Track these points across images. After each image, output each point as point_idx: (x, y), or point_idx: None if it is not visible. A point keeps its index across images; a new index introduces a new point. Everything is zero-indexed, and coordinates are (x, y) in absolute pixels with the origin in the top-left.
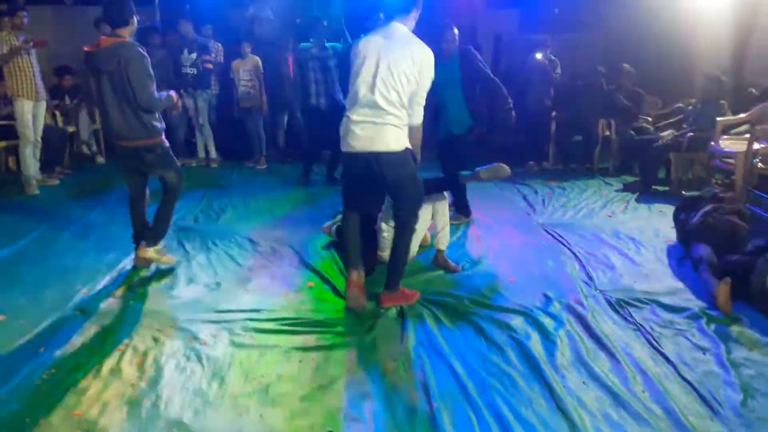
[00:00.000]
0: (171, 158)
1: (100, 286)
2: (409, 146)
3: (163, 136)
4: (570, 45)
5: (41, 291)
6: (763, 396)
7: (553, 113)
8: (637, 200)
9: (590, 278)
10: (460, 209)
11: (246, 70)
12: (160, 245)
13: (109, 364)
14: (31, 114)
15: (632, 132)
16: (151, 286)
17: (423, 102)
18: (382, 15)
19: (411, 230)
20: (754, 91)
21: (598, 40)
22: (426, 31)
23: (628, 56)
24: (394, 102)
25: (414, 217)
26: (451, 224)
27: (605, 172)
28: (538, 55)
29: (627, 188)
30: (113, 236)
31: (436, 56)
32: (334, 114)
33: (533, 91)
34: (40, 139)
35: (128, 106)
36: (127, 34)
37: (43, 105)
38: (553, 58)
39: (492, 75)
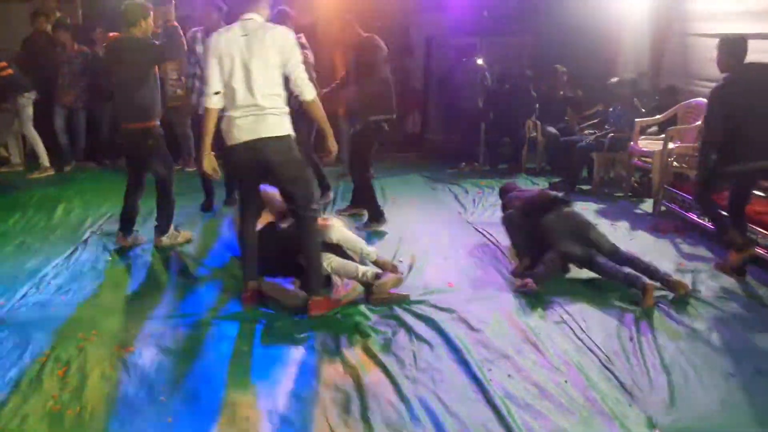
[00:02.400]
0: (164, 147)
1: (19, 295)
2: (293, 134)
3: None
4: (499, 48)
5: None
6: (677, 381)
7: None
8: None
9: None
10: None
11: (173, 69)
12: (171, 229)
13: (29, 375)
14: None
15: (556, 132)
16: (73, 294)
17: (305, 76)
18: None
19: (314, 223)
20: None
21: (526, 44)
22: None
23: (555, 59)
24: (273, 95)
25: (310, 209)
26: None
27: (532, 172)
28: (479, 61)
29: (552, 187)
30: (33, 243)
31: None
32: None
33: (466, 94)
34: None
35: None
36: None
37: None
38: (482, 62)
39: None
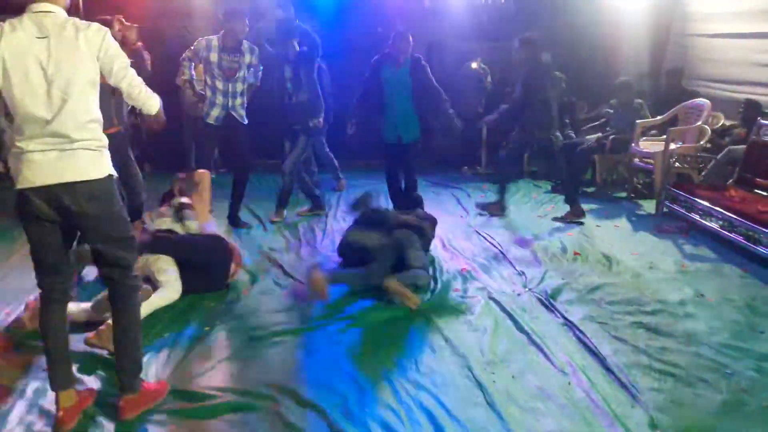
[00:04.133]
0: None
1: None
2: (115, 174)
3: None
4: (499, 53)
5: None
6: (678, 382)
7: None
8: (565, 201)
9: (520, 277)
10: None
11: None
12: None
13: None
14: None
15: (558, 136)
16: None
17: (141, 83)
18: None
19: (135, 294)
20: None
21: None
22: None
23: (556, 62)
24: (88, 122)
25: (132, 276)
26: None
27: (534, 175)
28: (473, 65)
29: (555, 190)
30: None
31: (385, 61)
32: None
33: (465, 99)
34: None
35: None
36: None
37: None
38: (483, 66)
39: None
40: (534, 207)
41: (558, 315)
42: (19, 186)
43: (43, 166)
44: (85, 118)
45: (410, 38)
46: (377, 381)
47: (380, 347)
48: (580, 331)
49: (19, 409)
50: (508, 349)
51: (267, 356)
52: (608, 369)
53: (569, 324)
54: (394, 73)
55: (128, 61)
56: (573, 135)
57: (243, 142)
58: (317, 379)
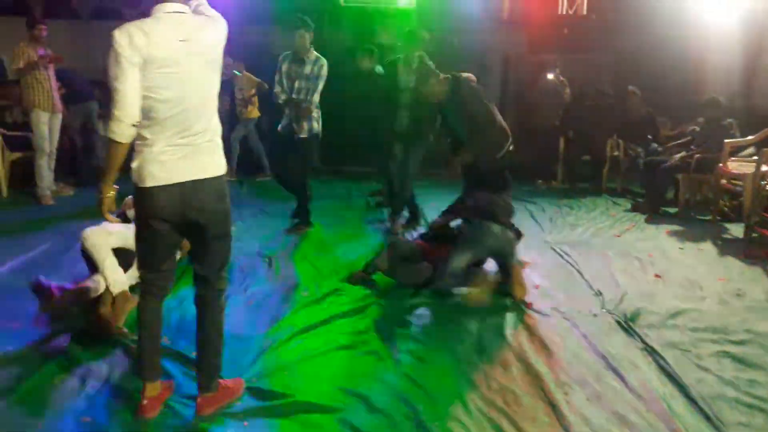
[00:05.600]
0: None
1: None
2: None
3: None
4: (579, 65)
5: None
6: (766, 415)
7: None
8: (645, 221)
9: (597, 297)
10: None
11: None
12: None
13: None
14: (47, 126)
15: (639, 151)
16: None
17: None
18: None
19: (221, 305)
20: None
21: (608, 61)
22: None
23: (638, 77)
24: (212, 120)
25: (223, 276)
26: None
27: (613, 192)
28: (549, 76)
29: (635, 209)
30: None
31: None
32: None
33: (542, 111)
34: (54, 151)
35: None
36: None
37: (58, 117)
38: (561, 78)
39: None
40: (612, 225)
41: (637, 339)
42: (146, 184)
43: (173, 165)
44: (212, 117)
45: None
46: (448, 395)
47: (452, 362)
48: (661, 357)
49: (104, 395)
50: (582, 371)
51: (341, 360)
52: (691, 399)
53: (649, 349)
54: None
55: None
56: (658, 148)
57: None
58: (389, 387)
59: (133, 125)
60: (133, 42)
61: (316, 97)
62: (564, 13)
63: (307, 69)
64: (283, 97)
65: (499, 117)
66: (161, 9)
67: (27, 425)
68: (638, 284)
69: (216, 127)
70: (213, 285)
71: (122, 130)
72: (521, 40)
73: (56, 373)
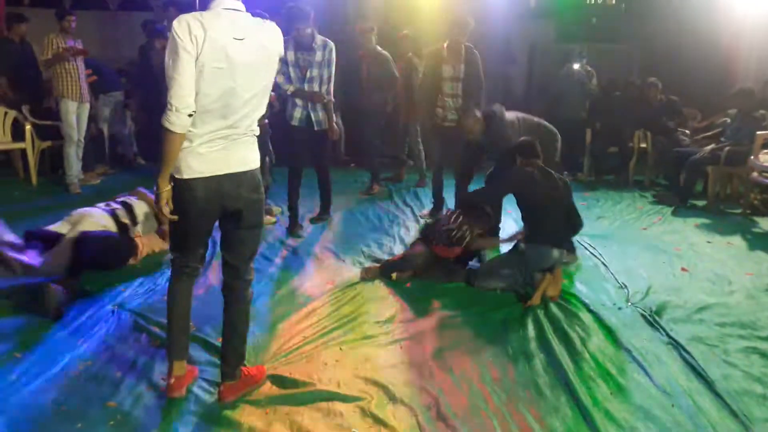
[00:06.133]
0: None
1: (136, 283)
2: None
3: None
4: (606, 55)
5: (82, 285)
6: None
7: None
8: (673, 214)
9: (622, 290)
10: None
11: None
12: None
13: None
14: (75, 115)
15: (664, 142)
16: None
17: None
18: None
19: (248, 295)
20: None
21: (635, 51)
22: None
23: (667, 67)
24: (255, 122)
25: (251, 271)
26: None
27: (640, 184)
28: (576, 66)
29: (662, 201)
30: None
31: None
32: None
33: (568, 102)
34: (82, 140)
35: None
36: None
37: (86, 106)
38: (589, 68)
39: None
40: (639, 218)
41: (662, 333)
42: (184, 176)
43: (212, 158)
44: (257, 113)
45: None
46: (470, 387)
47: (474, 352)
48: (687, 352)
49: (129, 380)
50: (606, 364)
51: (363, 349)
52: (717, 394)
53: (674, 343)
54: None
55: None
56: (685, 139)
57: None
58: (411, 377)
59: (189, 115)
60: (192, 33)
61: (331, 86)
62: (592, 2)
63: (318, 56)
64: (291, 88)
65: (542, 126)
66: (219, 4)
67: (52, 411)
68: (665, 278)
69: (254, 121)
70: (241, 275)
71: (180, 120)
72: (548, 30)
73: (82, 360)
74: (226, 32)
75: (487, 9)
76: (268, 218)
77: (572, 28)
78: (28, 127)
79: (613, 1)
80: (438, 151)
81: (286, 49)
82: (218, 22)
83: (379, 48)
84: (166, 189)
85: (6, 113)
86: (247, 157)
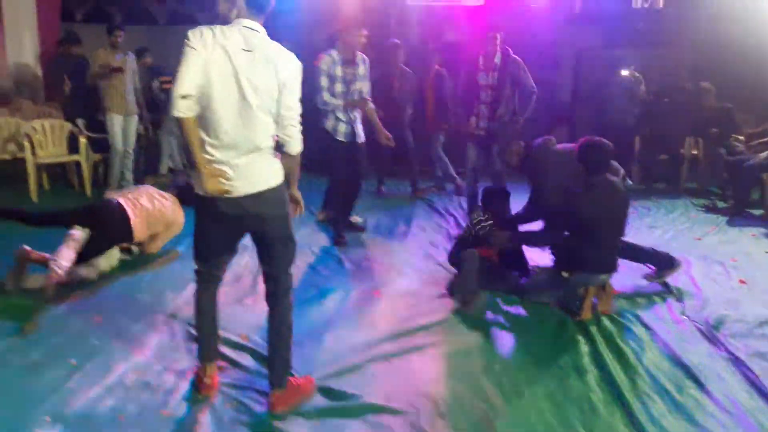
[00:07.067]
0: None
1: (186, 292)
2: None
3: None
4: (655, 61)
5: (133, 297)
6: None
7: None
8: (728, 223)
9: (677, 303)
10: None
11: None
12: None
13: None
14: (121, 127)
15: (723, 151)
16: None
17: (298, 124)
18: (233, 11)
19: (289, 301)
20: None
21: (686, 56)
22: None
23: (718, 72)
24: (270, 137)
25: (290, 273)
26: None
27: (693, 192)
28: (624, 72)
29: (716, 210)
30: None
31: None
32: None
33: (616, 108)
34: (131, 151)
35: None
36: None
37: (133, 119)
38: (637, 74)
39: None
40: (692, 228)
41: (721, 348)
42: (207, 195)
43: (234, 180)
44: (270, 133)
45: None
46: (522, 401)
47: (524, 366)
48: (748, 369)
49: (182, 389)
50: (662, 380)
51: (412, 362)
52: None
53: (734, 359)
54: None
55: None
56: (739, 145)
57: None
58: (461, 391)
59: (183, 97)
60: (202, 37)
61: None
62: (639, 6)
63: (361, 70)
64: (339, 102)
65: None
66: (239, 22)
67: (110, 419)
68: (722, 290)
69: (270, 138)
70: (281, 283)
71: (176, 103)
72: (594, 35)
73: (136, 368)
74: (236, 43)
75: (531, 15)
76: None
77: (618, 33)
78: (82, 140)
79: (661, 5)
80: (471, 159)
81: (334, 64)
82: (231, 34)
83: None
84: (205, 168)
85: (62, 126)
86: (269, 176)
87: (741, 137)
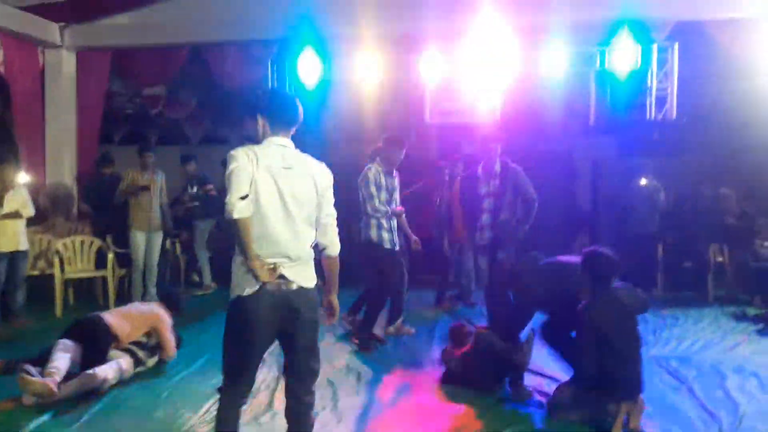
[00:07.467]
0: None
1: (203, 410)
2: None
3: None
4: (672, 168)
5: (149, 414)
6: None
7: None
8: (759, 332)
9: (712, 420)
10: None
11: None
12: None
13: None
14: (144, 243)
15: (748, 256)
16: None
17: (336, 227)
18: (260, 131)
19: (311, 419)
20: None
21: (702, 163)
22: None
23: (739, 178)
24: (311, 245)
25: (313, 394)
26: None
27: (721, 299)
28: (643, 181)
29: (747, 319)
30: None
31: None
32: None
33: (637, 217)
34: (154, 266)
35: None
36: None
37: (158, 235)
38: (655, 183)
39: None
40: (723, 338)
41: None
42: (245, 293)
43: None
44: (311, 242)
45: None
46: None
47: None
48: None
49: None
50: None
51: None
52: None
53: None
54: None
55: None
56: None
57: None
58: None
59: (242, 198)
60: (248, 155)
61: None
62: (653, 118)
63: (396, 181)
64: (386, 209)
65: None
66: (271, 141)
67: None
68: (758, 404)
69: (308, 245)
70: (302, 399)
71: (233, 204)
72: (610, 145)
73: None
74: (275, 160)
75: (547, 126)
76: None
77: (634, 143)
78: (110, 255)
79: (674, 116)
80: (482, 269)
81: (379, 174)
82: (269, 151)
83: None
84: (256, 263)
85: (92, 242)
86: (311, 276)
87: (766, 243)
